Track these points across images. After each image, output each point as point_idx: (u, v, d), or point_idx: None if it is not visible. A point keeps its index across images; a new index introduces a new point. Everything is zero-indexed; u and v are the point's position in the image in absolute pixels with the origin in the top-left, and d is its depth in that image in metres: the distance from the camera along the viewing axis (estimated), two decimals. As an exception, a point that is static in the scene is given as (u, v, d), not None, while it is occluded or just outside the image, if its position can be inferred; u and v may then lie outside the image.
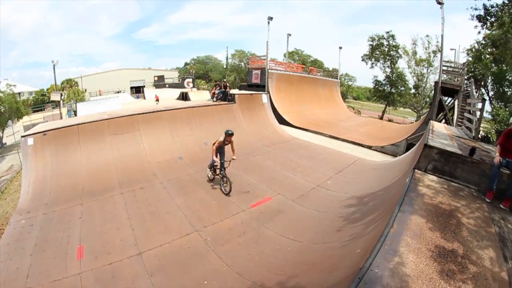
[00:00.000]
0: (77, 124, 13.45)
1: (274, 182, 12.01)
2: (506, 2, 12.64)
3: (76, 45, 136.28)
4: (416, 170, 8.11)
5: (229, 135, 11.08)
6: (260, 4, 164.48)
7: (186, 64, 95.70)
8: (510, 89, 32.81)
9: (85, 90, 54.93)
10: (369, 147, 19.85)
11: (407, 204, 6.00)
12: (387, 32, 50.38)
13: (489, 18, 13.53)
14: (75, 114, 29.23)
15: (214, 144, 11.14)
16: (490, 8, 13.33)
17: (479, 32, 14.41)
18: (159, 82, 58.81)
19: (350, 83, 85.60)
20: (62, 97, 31.47)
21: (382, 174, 12.27)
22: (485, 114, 29.74)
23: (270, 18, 29.31)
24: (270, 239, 8.14)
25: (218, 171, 11.53)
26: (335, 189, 11.54)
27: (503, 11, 13.08)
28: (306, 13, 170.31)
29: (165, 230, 8.51)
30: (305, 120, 26.94)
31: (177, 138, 15.47)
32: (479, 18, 13.68)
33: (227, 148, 11.38)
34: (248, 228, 8.75)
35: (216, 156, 11.11)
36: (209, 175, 12.04)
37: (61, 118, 26.90)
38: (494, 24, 13.99)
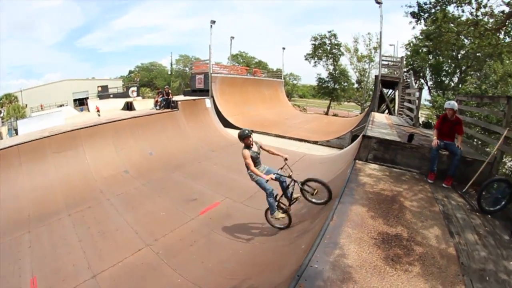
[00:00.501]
0: (16, 145, 12.39)
1: (222, 187, 11.76)
2: None
3: (15, 55, 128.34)
4: (357, 161, 8.15)
5: (246, 136, 7.43)
6: (205, 6, 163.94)
7: (130, 72, 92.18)
8: (447, 78, 34.84)
9: (26, 105, 51.17)
10: (315, 142, 19.99)
11: (347, 195, 5.92)
12: (329, 32, 52.26)
13: (422, 14, 13.93)
14: (17, 133, 27.28)
15: (246, 160, 7.38)
16: (423, 5, 13.75)
17: (413, 28, 14.96)
18: (103, 93, 56.10)
19: (295, 82, 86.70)
20: (0, 115, 29.41)
21: (328, 167, 12.32)
22: (426, 102, 31.62)
23: (213, 22, 29.07)
24: (222, 244, 7.92)
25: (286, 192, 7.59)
26: (284, 186, 11.36)
27: (436, 8, 13.54)
28: (251, 15, 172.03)
29: (117, 249, 8.02)
30: (251, 121, 26.88)
31: (122, 151, 14.74)
32: (413, 14, 14.09)
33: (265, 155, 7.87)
34: (199, 236, 8.45)
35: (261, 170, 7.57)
36: (279, 216, 7.39)
37: (1, 138, 25.17)
38: (428, 20, 14.44)
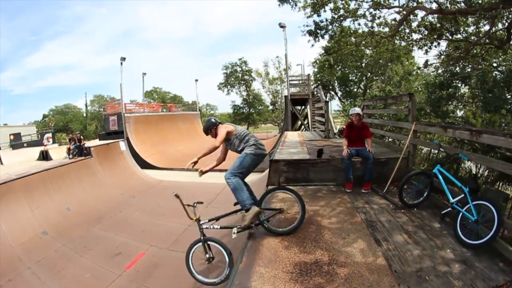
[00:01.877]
0: None
1: (145, 235, 11.25)
2: (335, 16, 13.76)
3: None
4: (269, 187, 7.73)
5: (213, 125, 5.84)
6: (121, 42, 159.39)
7: (44, 116, 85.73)
8: (355, 87, 37.20)
9: None
10: (235, 170, 19.71)
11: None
12: (240, 59, 53.56)
13: (319, 31, 14.49)
14: None
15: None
16: (320, 23, 14.33)
17: (312, 45, 15.55)
18: (16, 141, 51.26)
19: (212, 112, 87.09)
20: None
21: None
22: (339, 109, 33.27)
23: (123, 59, 28.49)
24: None
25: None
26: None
27: (333, 24, 14.19)
28: (166, 49, 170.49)
29: None
30: (170, 158, 26.41)
31: (37, 210, 13.40)
32: (310, 33, 14.62)
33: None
34: None
35: None
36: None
37: None
38: (325, 36, 15.08)
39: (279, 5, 14.04)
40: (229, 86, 54.52)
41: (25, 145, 48.83)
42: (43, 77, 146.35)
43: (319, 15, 14.15)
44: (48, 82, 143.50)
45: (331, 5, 13.78)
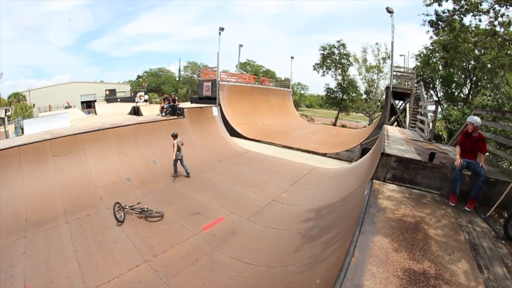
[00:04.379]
0: (17, 146, 11.93)
1: (227, 200, 11.25)
2: (456, 8, 12.76)
3: (26, 55, 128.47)
4: (374, 181, 7.59)
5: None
6: (214, 15, 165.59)
7: (138, 77, 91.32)
8: (457, 90, 34.44)
9: (33, 105, 51.22)
10: (324, 155, 19.60)
11: (368, 223, 5.32)
12: (338, 41, 51.76)
13: (440, 23, 13.60)
14: (23, 132, 26.93)
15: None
16: (441, 13, 13.42)
17: (431, 37, 14.65)
18: (111, 96, 55.61)
19: (302, 91, 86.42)
20: (8, 113, 29.15)
21: (339, 183, 11.92)
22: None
23: (222, 29, 28.92)
24: (225, 265, 7.43)
25: None
26: (291, 202, 11.01)
27: (453, 16, 13.21)
28: (259, 24, 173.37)
29: (113, 263, 7.55)
30: (258, 131, 26.65)
31: (124, 158, 14.23)
32: (431, 23, 13.76)
33: None
34: (201, 254, 7.95)
35: None
36: None
37: (6, 137, 24.65)
38: (445, 29, 14.12)
39: None
40: (325, 68, 53.21)
41: (118, 100, 52.44)
42: (139, 43, 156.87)
43: (440, 5, 13.23)
44: (143, 48, 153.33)
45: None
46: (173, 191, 12.07)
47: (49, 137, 13.04)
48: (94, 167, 12.96)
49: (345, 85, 52.04)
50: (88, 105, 57.44)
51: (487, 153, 10.07)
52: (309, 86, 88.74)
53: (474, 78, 33.35)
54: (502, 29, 13.33)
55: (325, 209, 9.32)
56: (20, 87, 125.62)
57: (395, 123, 26.12)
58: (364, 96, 53.09)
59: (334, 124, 50.22)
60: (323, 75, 53.89)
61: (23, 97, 55.38)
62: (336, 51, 51.85)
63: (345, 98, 52.37)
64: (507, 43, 13.22)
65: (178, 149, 13.42)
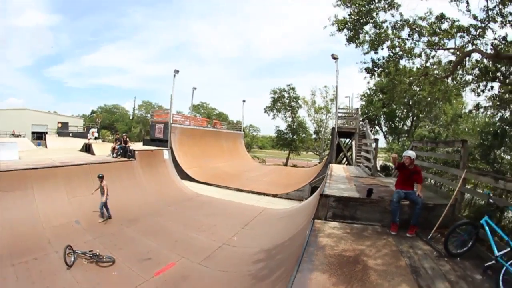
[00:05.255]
0: None
1: (178, 245, 11.14)
2: (391, 54, 13.81)
3: None
4: (315, 220, 7.80)
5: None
6: (173, 55, 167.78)
7: (93, 112, 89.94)
8: (400, 123, 36.82)
9: None
10: (275, 195, 19.96)
11: (306, 262, 5.40)
12: (288, 85, 54.10)
13: (376, 69, 14.59)
14: None
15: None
16: (377, 60, 14.42)
17: (368, 82, 15.78)
18: (63, 130, 53.60)
19: (254, 133, 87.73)
20: None
21: (288, 223, 12.13)
22: (382, 145, 32.88)
23: (176, 72, 29.43)
24: None
25: None
26: (242, 244, 11.09)
27: (389, 62, 14.24)
28: (216, 66, 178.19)
29: None
30: (210, 174, 26.65)
31: (74, 199, 13.75)
32: (367, 70, 14.70)
33: None
34: None
35: None
36: None
37: None
38: (382, 74, 15.14)
39: (346, 44, 14.05)
40: (275, 111, 54.90)
41: (70, 134, 50.86)
42: (97, 75, 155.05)
43: (376, 53, 14.20)
44: (101, 81, 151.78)
45: (388, 43, 13.81)
46: (124, 236, 11.79)
47: None
48: (42, 207, 12.42)
49: (295, 127, 53.66)
50: (39, 136, 54.98)
51: (429, 180, 10.69)
52: (261, 128, 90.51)
53: (416, 111, 35.84)
54: (435, 67, 14.50)
55: (275, 249, 9.41)
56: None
57: (344, 159, 27.08)
58: (314, 136, 54.92)
59: (285, 164, 51.18)
60: (274, 117, 55.50)
61: (-31, 119, 52.17)
62: (286, 95, 53.81)
63: (296, 138, 53.79)
64: (438, 80, 14.29)
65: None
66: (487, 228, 5.40)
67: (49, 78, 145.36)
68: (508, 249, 4.83)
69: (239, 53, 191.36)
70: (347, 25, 13.39)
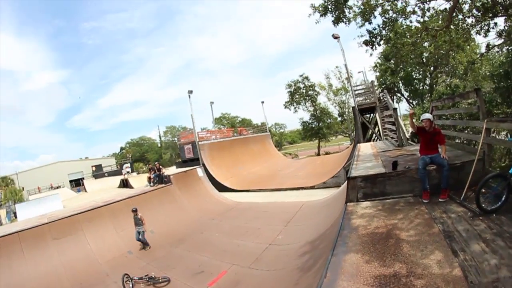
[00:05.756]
0: (16, 232, 12.28)
1: (226, 254, 11.45)
2: (385, 20, 13.63)
3: (8, 137, 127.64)
4: (348, 204, 7.90)
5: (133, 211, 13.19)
6: (184, 74, 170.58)
7: (121, 148, 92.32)
8: (420, 84, 35.64)
9: (23, 188, 50.64)
10: (312, 187, 19.99)
11: (340, 245, 5.55)
12: (301, 75, 53.65)
13: (374, 40, 14.37)
14: (15, 216, 26.73)
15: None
16: (373, 30, 14.22)
17: (371, 55, 15.36)
18: (98, 172, 54.94)
19: (281, 130, 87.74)
20: None
21: (329, 210, 12.16)
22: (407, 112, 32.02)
23: (190, 92, 29.87)
24: None
25: None
26: (288, 241, 11.27)
27: (385, 29, 14.04)
28: (228, 75, 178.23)
29: None
30: (245, 180, 26.94)
31: (122, 232, 14.44)
32: (366, 43, 14.49)
33: None
34: None
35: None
36: None
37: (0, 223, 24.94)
38: (381, 42, 14.90)
39: (334, 25, 13.88)
40: (295, 104, 54.66)
41: (106, 174, 52.19)
42: (116, 114, 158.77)
43: (370, 23, 13.96)
44: (122, 118, 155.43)
45: (379, 10, 13.65)
46: (174, 256, 12.23)
47: (46, 221, 13.41)
48: (95, 245, 13.25)
49: (318, 114, 53.15)
50: (77, 183, 57.38)
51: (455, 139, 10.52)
52: (287, 123, 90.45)
53: (432, 68, 34.80)
54: (433, 19, 14.27)
55: (318, 240, 9.52)
56: (5, 169, 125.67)
57: (374, 136, 26.81)
58: (339, 118, 54.28)
59: (318, 154, 50.91)
60: (296, 110, 55.23)
61: (11, 180, 55.26)
62: (302, 85, 53.44)
63: (321, 126, 53.34)
64: (440, 32, 13.98)
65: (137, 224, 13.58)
66: (517, 177, 5.22)
67: (72, 128, 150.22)
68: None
69: (245, 56, 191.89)
70: (328, 9, 13.31)
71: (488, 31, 13.94)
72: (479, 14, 13.51)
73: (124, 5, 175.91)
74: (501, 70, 15.77)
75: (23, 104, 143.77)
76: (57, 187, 50.13)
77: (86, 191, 46.81)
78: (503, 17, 13.67)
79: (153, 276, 9.99)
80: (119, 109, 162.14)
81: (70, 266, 11.82)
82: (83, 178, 55.98)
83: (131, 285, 9.74)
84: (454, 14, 13.36)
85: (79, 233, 13.48)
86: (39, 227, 12.92)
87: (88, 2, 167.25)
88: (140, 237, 13.22)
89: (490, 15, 13.28)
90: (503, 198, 5.60)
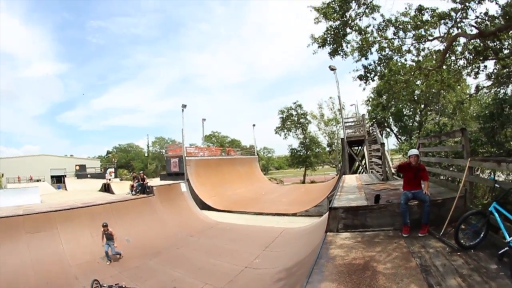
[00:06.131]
0: None
1: (201, 273, 11.26)
2: (381, 57, 13.96)
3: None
4: (328, 233, 7.93)
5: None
6: (180, 88, 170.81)
7: (108, 152, 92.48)
8: (410, 121, 36.34)
9: (2, 175, 49.30)
10: (294, 214, 19.99)
11: (316, 273, 5.52)
12: (294, 103, 54.45)
13: (369, 75, 14.68)
14: None
15: None
16: (368, 66, 14.55)
17: (364, 89, 15.66)
18: (81, 172, 54.98)
19: (269, 155, 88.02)
20: None
21: (308, 239, 12.09)
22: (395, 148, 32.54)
23: (184, 106, 30.10)
24: None
25: None
26: (264, 266, 11.14)
27: (380, 65, 14.36)
28: (223, 94, 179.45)
29: None
30: (228, 201, 26.81)
31: (98, 237, 13.69)
32: (360, 77, 14.80)
33: None
34: None
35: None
36: None
37: None
38: (375, 78, 15.24)
39: (331, 57, 14.14)
40: (285, 130, 55.19)
41: (88, 176, 51.93)
42: (108, 117, 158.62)
43: (366, 58, 14.27)
44: (113, 122, 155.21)
45: (376, 46, 13.97)
46: (148, 268, 11.96)
47: (22, 212, 13.21)
48: (68, 246, 12.83)
49: (307, 143, 53.70)
50: (58, 180, 56.83)
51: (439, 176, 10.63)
52: (276, 149, 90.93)
53: (423, 106, 35.58)
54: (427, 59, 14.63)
55: (295, 267, 9.42)
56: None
57: (360, 168, 27.05)
58: (328, 148, 54.83)
59: (303, 182, 51.15)
60: (285, 137, 55.81)
61: (-8, 164, 53.76)
62: (294, 112, 54.07)
63: (309, 154, 53.80)
64: (433, 72, 14.31)
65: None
66: (496, 215, 5.37)
67: (62, 123, 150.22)
68: (520, 234, 4.72)
69: (242, 77, 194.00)
70: (327, 41, 13.54)
71: (478, 73, 14.39)
72: (471, 56, 13.91)
73: (133, 10, 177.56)
74: (487, 112, 16.24)
75: (19, 90, 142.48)
76: (37, 180, 49.74)
77: (66, 189, 46.48)
78: (493, 60, 14.13)
79: (123, 286, 9.65)
80: (112, 113, 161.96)
81: (39, 264, 11.47)
82: (65, 176, 55.54)
83: None
84: (447, 55, 13.75)
85: (53, 231, 13.11)
86: (14, 217, 12.67)
87: (99, 1, 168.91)
88: (110, 251, 12.73)
89: (481, 58, 13.72)
90: (481, 235, 5.69)
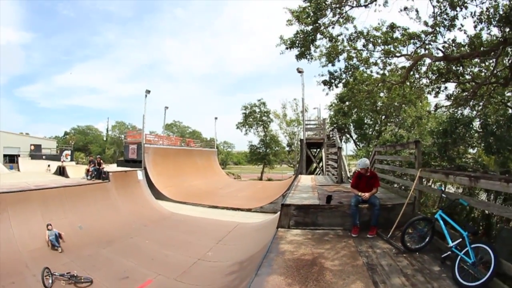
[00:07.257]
0: None
1: (154, 263, 11.27)
2: (348, 66, 14.31)
3: None
4: (279, 229, 8.11)
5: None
6: (146, 73, 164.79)
7: (66, 133, 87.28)
8: (369, 129, 37.60)
9: None
10: (249, 210, 20.14)
11: (265, 266, 5.65)
12: (259, 100, 54.41)
13: (334, 81, 15.01)
14: None
15: None
16: (334, 73, 14.87)
17: (327, 94, 15.99)
18: (36, 152, 51.51)
19: (229, 149, 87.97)
20: None
21: (261, 234, 12.33)
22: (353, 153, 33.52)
23: (148, 92, 29.43)
24: None
25: None
26: (217, 259, 11.33)
27: (346, 73, 14.74)
28: (189, 84, 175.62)
29: None
30: (185, 192, 26.60)
31: (50, 222, 13.20)
32: (324, 82, 15.09)
33: None
34: None
35: None
36: None
37: None
38: (339, 85, 15.61)
39: (297, 60, 14.24)
40: (247, 126, 55.03)
41: (44, 157, 49.30)
42: (70, 95, 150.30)
43: (333, 65, 14.52)
44: (74, 101, 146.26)
45: (345, 55, 14.24)
46: (101, 257, 11.83)
47: None
48: (18, 231, 12.34)
49: (267, 141, 54.00)
50: (11, 160, 52.81)
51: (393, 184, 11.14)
52: (236, 144, 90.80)
53: (382, 117, 36.91)
54: (392, 75, 15.10)
55: (247, 261, 9.63)
56: None
57: (317, 170, 27.63)
58: (287, 148, 55.41)
59: (260, 179, 51.52)
60: (246, 133, 55.65)
61: None
62: (257, 109, 54.11)
63: (269, 152, 54.14)
64: (396, 86, 14.84)
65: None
66: (441, 222, 5.75)
67: (21, 98, 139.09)
68: (461, 239, 5.12)
69: (210, 69, 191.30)
70: (295, 44, 13.74)
71: (438, 92, 14.92)
72: (434, 77, 14.46)
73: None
74: (441, 128, 16.90)
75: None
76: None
77: (19, 170, 44.02)
78: (454, 83, 14.75)
79: (75, 275, 9.55)
80: (74, 91, 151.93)
81: (-14, 249, 10.90)
82: (19, 155, 52.36)
83: (50, 281, 9.25)
84: (412, 72, 14.23)
85: (3, 215, 12.52)
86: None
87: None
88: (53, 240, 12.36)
89: (443, 79, 14.29)
90: (427, 239, 6.05)
